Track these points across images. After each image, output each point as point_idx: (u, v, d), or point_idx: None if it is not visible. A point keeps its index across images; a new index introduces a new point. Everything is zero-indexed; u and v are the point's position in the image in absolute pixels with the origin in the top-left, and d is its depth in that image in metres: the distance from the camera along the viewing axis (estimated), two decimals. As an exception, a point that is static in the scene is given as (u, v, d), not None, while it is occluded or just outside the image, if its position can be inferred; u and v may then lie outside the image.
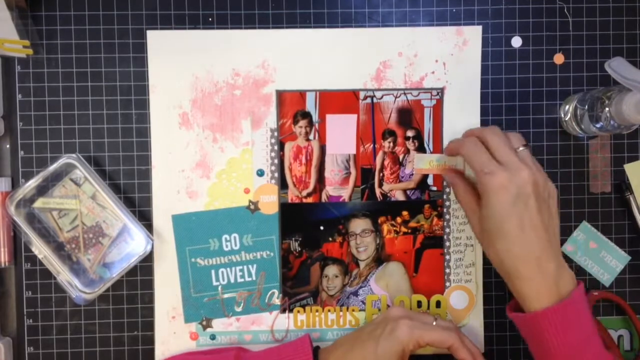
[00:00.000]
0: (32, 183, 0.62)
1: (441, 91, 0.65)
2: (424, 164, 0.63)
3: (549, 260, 0.54)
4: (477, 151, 0.56)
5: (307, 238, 0.65)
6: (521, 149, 0.57)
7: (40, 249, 0.62)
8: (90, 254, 0.63)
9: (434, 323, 0.59)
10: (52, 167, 0.62)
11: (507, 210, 0.54)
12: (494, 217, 0.54)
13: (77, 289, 0.61)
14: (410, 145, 0.65)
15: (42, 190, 0.63)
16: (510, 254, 0.54)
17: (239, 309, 0.65)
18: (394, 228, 0.65)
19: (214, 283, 0.65)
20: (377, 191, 0.65)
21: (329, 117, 0.65)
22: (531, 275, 0.54)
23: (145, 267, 0.64)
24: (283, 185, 0.65)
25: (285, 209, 0.65)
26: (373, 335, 0.57)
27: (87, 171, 0.62)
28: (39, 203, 0.62)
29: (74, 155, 0.62)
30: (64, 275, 0.62)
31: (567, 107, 0.64)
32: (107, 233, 0.63)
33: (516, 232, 0.54)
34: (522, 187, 0.54)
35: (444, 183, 0.65)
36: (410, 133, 0.65)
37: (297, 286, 0.65)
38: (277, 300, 0.65)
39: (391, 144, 0.65)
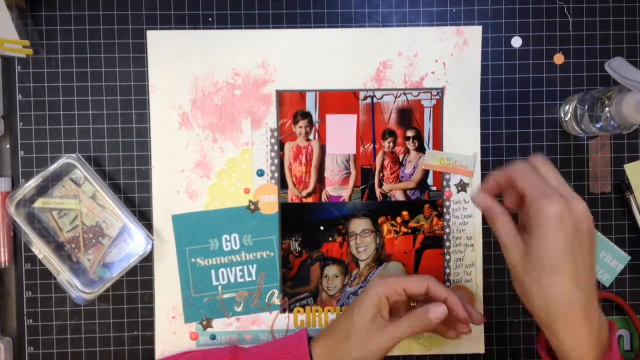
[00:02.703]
0: (32, 183, 0.62)
1: (441, 91, 0.65)
2: (434, 160, 0.64)
3: (596, 309, 0.49)
4: (533, 176, 0.50)
5: (307, 238, 0.65)
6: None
7: (40, 249, 0.62)
8: (90, 254, 0.63)
9: None
10: (52, 167, 0.62)
11: (562, 249, 0.48)
12: (547, 254, 0.48)
13: (77, 289, 0.61)
14: (410, 145, 0.65)
15: (42, 190, 0.63)
16: (558, 300, 0.48)
17: (239, 309, 0.65)
18: (394, 228, 0.65)
19: (214, 283, 0.65)
20: (377, 191, 0.65)
21: (329, 117, 0.65)
22: (577, 327, 0.48)
23: (145, 267, 0.64)
24: (283, 185, 0.65)
25: (285, 209, 0.65)
26: (352, 304, 0.58)
27: (87, 171, 0.62)
28: (39, 203, 0.62)
29: (74, 155, 0.62)
30: (64, 275, 0.62)
31: (567, 107, 0.64)
32: (107, 233, 0.63)
33: (569, 275, 0.48)
34: (578, 224, 0.48)
35: (444, 183, 0.65)
36: (410, 133, 0.65)
37: (297, 286, 0.65)
38: (277, 300, 0.65)
39: (391, 144, 0.65)
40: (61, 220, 0.63)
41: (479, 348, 0.66)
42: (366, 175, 0.65)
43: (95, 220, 0.63)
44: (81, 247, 0.63)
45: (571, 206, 0.48)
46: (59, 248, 0.63)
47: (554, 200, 0.48)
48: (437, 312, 0.55)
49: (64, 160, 0.62)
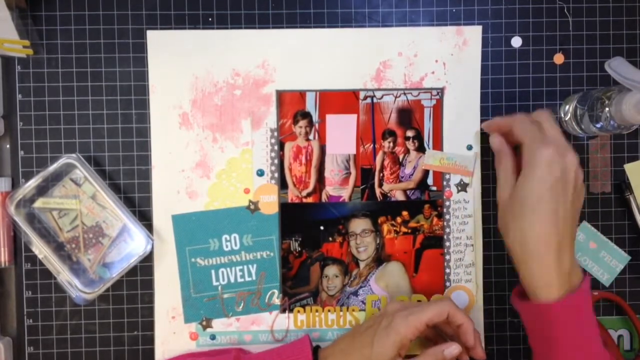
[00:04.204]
0: (32, 183, 0.62)
1: (441, 91, 0.65)
2: (434, 160, 0.64)
3: (569, 251, 0.54)
4: (531, 125, 0.56)
5: (307, 238, 0.65)
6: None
7: (40, 249, 0.62)
8: (90, 254, 0.63)
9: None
10: (52, 167, 0.62)
11: (549, 186, 0.53)
12: (532, 191, 0.54)
13: (77, 289, 0.61)
14: (410, 145, 0.65)
15: (42, 190, 0.63)
16: (534, 234, 0.53)
17: (239, 309, 0.65)
18: (394, 228, 0.65)
19: (214, 283, 0.65)
20: (377, 191, 0.65)
21: (329, 117, 0.65)
22: (548, 261, 0.53)
23: (145, 267, 0.64)
24: (283, 185, 0.65)
25: (285, 209, 0.65)
26: (370, 331, 0.57)
27: (87, 171, 0.62)
28: (39, 203, 0.62)
29: (74, 155, 0.62)
30: (64, 275, 0.62)
31: (567, 107, 0.64)
32: (107, 233, 0.63)
33: (549, 213, 0.53)
34: (566, 171, 0.54)
35: (444, 183, 0.65)
36: (410, 133, 0.65)
37: (297, 286, 0.65)
38: (277, 300, 0.65)
39: (391, 144, 0.65)
40: (61, 220, 0.63)
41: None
42: (366, 175, 0.65)
43: (95, 220, 0.63)
44: (81, 247, 0.63)
45: (563, 154, 0.54)
46: (59, 248, 0.63)
47: (546, 145, 0.54)
48: (453, 352, 0.57)
49: (64, 160, 0.62)
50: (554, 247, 0.53)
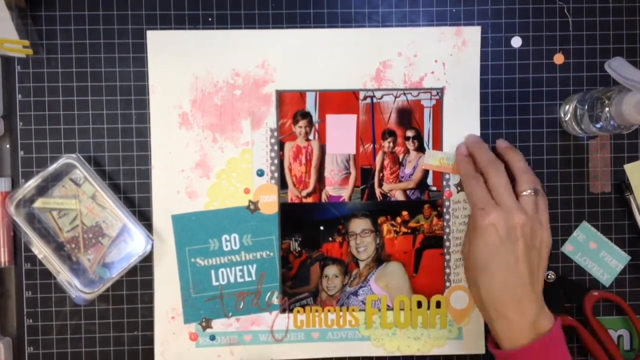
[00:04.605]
0: (32, 183, 0.62)
1: (441, 91, 0.65)
2: (434, 160, 0.64)
3: (530, 303, 0.55)
4: (477, 186, 0.59)
5: (307, 238, 0.65)
6: (526, 192, 0.57)
7: (40, 249, 0.62)
8: (90, 254, 0.63)
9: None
10: (52, 167, 0.62)
11: (494, 248, 0.56)
12: (480, 254, 0.56)
13: (77, 289, 0.61)
14: (410, 145, 0.65)
15: (42, 190, 0.63)
16: (491, 293, 0.56)
17: (238, 309, 0.65)
18: (394, 228, 0.65)
19: (214, 283, 0.65)
20: (377, 191, 0.65)
21: (329, 117, 0.65)
22: (509, 315, 0.55)
23: (145, 267, 0.64)
24: (283, 185, 0.65)
25: (285, 209, 0.65)
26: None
27: (87, 171, 0.62)
28: (38, 203, 0.62)
29: (73, 155, 0.62)
30: (63, 275, 0.62)
31: (567, 107, 0.64)
32: (107, 233, 0.63)
33: (501, 271, 0.56)
34: (512, 229, 0.56)
35: (444, 183, 0.65)
36: (410, 133, 0.65)
37: (297, 286, 0.65)
38: (277, 300, 0.65)
39: (391, 144, 0.65)
40: (61, 220, 0.63)
41: (479, 348, 0.66)
42: (366, 175, 0.65)
43: (95, 220, 0.63)
44: (81, 247, 0.63)
45: (508, 217, 0.56)
46: (58, 248, 0.63)
47: (490, 213, 0.56)
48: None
49: (63, 160, 0.62)
50: (511, 303, 0.55)
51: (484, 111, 0.65)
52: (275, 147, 0.64)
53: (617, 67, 0.52)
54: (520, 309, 0.55)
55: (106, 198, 0.62)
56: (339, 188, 0.65)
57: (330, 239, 0.65)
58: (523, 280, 0.55)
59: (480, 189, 0.58)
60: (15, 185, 0.63)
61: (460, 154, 0.63)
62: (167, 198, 0.64)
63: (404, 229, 0.65)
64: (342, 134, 0.65)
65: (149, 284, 0.65)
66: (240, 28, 0.64)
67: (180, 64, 0.64)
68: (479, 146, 0.62)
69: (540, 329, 0.55)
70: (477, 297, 0.58)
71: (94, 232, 0.63)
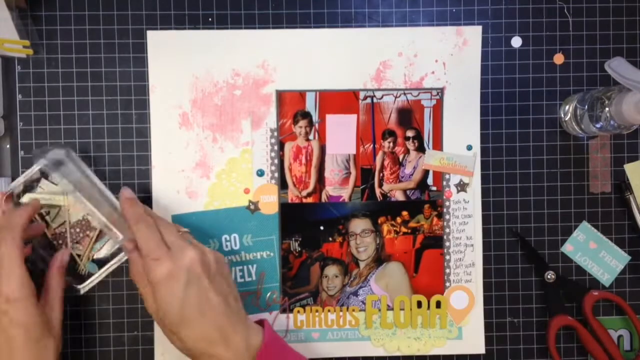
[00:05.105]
0: (21, 179, 0.60)
1: (441, 91, 0.65)
2: (434, 160, 0.64)
3: (235, 332, 0.54)
4: (149, 235, 0.54)
5: (307, 238, 0.65)
6: (181, 232, 0.57)
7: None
8: (79, 250, 0.63)
9: None
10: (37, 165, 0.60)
11: (182, 297, 0.52)
12: (171, 307, 0.53)
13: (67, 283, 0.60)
14: (410, 145, 0.65)
15: (31, 187, 0.62)
16: (196, 339, 0.53)
17: (239, 309, 0.65)
18: (394, 228, 0.65)
19: (214, 283, 0.65)
20: (377, 191, 0.65)
21: (329, 117, 0.65)
22: (221, 353, 0.53)
23: (145, 267, 0.64)
24: (283, 185, 0.65)
25: (285, 209, 0.65)
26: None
27: (75, 165, 0.60)
28: (26, 199, 0.62)
29: (62, 151, 0.61)
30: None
31: (567, 107, 0.64)
32: (94, 226, 0.62)
33: (196, 316, 0.53)
34: (191, 269, 0.53)
35: (444, 183, 0.65)
36: (410, 133, 0.65)
37: (297, 286, 0.65)
38: (277, 301, 0.65)
39: (391, 144, 0.65)
40: (48, 216, 0.62)
41: (479, 348, 0.66)
42: (366, 175, 0.65)
43: (82, 215, 0.63)
44: (68, 242, 0.62)
45: (180, 258, 0.53)
46: (48, 244, 0.62)
47: (163, 263, 0.53)
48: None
49: (51, 155, 0.60)
50: (219, 339, 0.53)
51: (484, 111, 0.65)
52: (276, 147, 0.64)
53: (617, 67, 0.52)
54: (228, 343, 0.53)
55: (94, 193, 0.60)
56: (339, 188, 0.65)
57: (330, 239, 0.65)
58: (221, 314, 0.54)
59: (153, 237, 0.54)
60: (15, 185, 0.63)
61: (124, 195, 0.58)
62: (167, 198, 0.64)
63: (404, 229, 0.65)
64: (342, 134, 0.65)
65: (149, 284, 0.64)
66: (240, 28, 0.64)
67: (180, 64, 0.64)
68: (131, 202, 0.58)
69: (255, 344, 0.54)
70: (184, 347, 0.54)
71: (81, 226, 0.63)
